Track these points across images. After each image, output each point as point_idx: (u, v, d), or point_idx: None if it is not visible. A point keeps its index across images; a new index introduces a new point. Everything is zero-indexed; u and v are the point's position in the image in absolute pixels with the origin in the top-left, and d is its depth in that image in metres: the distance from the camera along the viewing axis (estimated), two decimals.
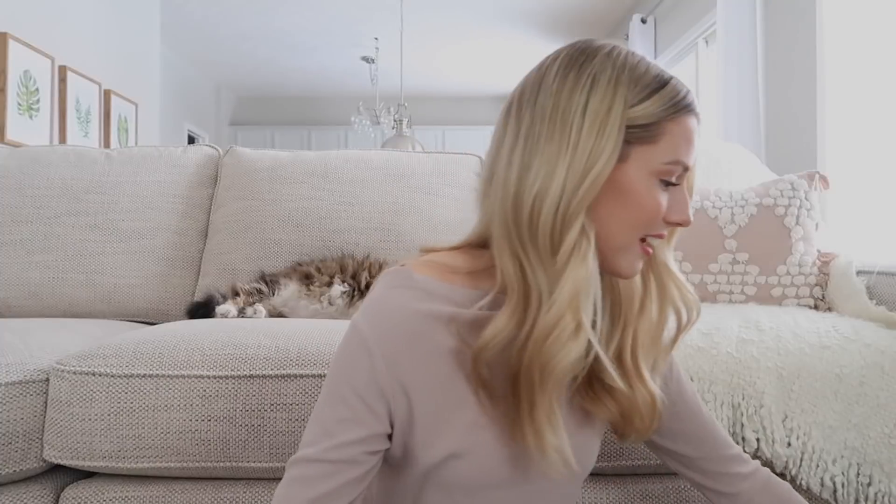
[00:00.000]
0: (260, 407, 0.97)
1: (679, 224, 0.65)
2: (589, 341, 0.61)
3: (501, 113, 0.67)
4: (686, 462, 0.79)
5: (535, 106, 0.62)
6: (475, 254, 0.69)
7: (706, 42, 4.17)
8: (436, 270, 0.67)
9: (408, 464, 0.66)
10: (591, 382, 0.69)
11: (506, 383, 0.64)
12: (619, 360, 0.69)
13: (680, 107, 0.62)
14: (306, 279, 1.42)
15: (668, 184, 0.63)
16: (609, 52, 0.63)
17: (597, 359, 0.65)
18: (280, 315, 1.40)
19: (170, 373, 0.98)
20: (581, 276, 0.60)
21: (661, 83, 0.62)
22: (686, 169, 0.64)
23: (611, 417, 0.69)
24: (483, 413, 0.64)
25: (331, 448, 0.61)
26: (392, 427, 0.64)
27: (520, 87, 0.66)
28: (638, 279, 0.70)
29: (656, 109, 0.61)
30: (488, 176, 0.66)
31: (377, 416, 0.62)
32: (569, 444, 0.63)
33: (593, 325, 0.64)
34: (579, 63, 0.62)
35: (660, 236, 0.66)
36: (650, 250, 0.66)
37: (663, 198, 0.63)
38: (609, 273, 0.67)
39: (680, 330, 0.71)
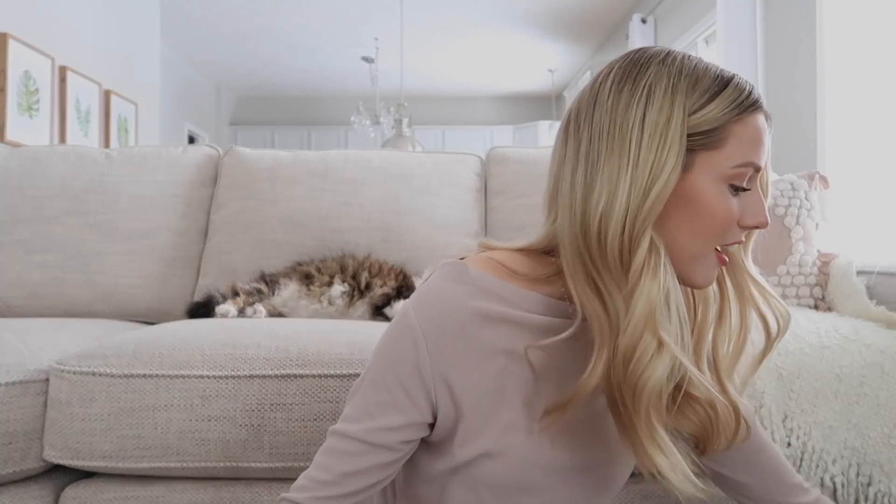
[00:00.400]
0: (260, 407, 0.97)
1: (756, 227, 0.62)
2: (677, 356, 0.59)
3: (560, 130, 0.66)
4: (746, 492, 0.76)
5: (592, 123, 0.61)
6: (538, 259, 0.67)
7: (706, 42, 4.17)
8: (493, 269, 0.66)
9: (442, 455, 0.66)
10: (673, 396, 0.64)
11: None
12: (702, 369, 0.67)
13: (745, 106, 0.60)
14: (306, 279, 1.42)
15: (738, 188, 0.61)
16: (663, 60, 0.61)
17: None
18: (280, 315, 1.40)
19: (170, 373, 0.98)
20: (654, 292, 0.58)
21: (722, 85, 0.60)
22: (758, 170, 0.61)
23: (694, 430, 0.66)
24: (525, 417, 0.63)
25: (370, 430, 0.63)
26: (435, 418, 0.64)
27: (576, 104, 0.65)
28: (715, 286, 0.68)
29: (719, 113, 0.59)
30: (553, 189, 0.65)
31: (417, 406, 0.63)
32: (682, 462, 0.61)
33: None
34: (633, 75, 0.61)
35: (737, 243, 0.63)
36: (727, 259, 0.64)
37: (735, 203, 0.61)
38: (684, 283, 0.65)
39: (770, 341, 0.68)
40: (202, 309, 1.39)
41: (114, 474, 1.01)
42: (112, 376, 0.97)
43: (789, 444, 0.96)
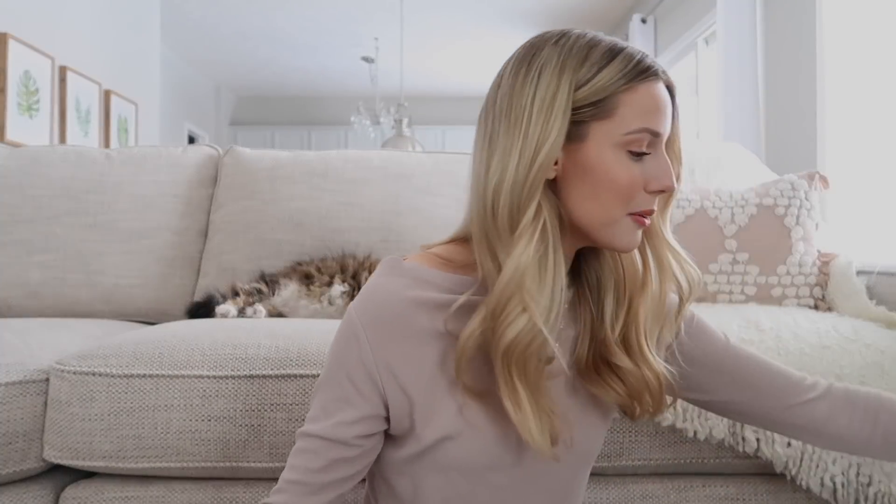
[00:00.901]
0: (260, 407, 0.97)
1: (662, 191, 0.65)
2: (537, 323, 0.61)
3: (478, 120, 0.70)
4: (746, 409, 0.77)
5: (495, 108, 0.65)
6: (470, 246, 0.70)
7: (706, 42, 4.16)
8: (428, 260, 0.69)
9: (406, 446, 0.68)
10: (596, 365, 0.69)
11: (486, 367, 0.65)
12: (625, 339, 0.69)
13: (632, 75, 0.62)
14: (306, 279, 1.42)
15: (639, 154, 0.63)
16: (557, 40, 0.64)
17: (601, 341, 0.68)
18: (280, 315, 1.40)
19: (170, 373, 0.98)
20: (525, 257, 0.61)
21: (610, 57, 0.62)
22: (655, 135, 0.64)
23: (619, 400, 0.70)
24: (472, 396, 0.65)
25: (328, 427, 0.66)
26: (387, 409, 0.66)
27: (487, 94, 0.69)
28: (637, 255, 0.70)
29: (606, 83, 0.62)
30: (469, 178, 0.70)
31: (367, 398, 0.65)
32: (549, 425, 0.63)
33: (601, 309, 0.69)
34: (529, 58, 0.64)
35: (650, 211, 0.66)
36: (646, 221, 0.66)
37: (638, 169, 0.63)
38: (607, 248, 0.68)
39: (683, 301, 0.72)
40: (202, 309, 1.39)
41: (114, 474, 1.01)
42: (112, 376, 0.97)
43: (789, 444, 0.96)
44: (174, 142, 6.59)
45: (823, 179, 1.41)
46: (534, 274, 0.62)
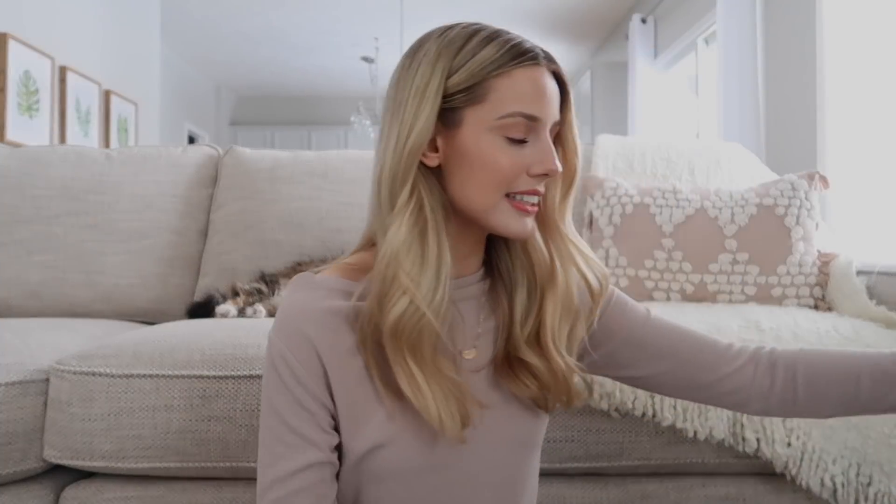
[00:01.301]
0: (259, 407, 0.97)
1: (544, 175, 0.65)
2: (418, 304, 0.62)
3: None
4: (669, 380, 0.76)
5: (385, 101, 0.68)
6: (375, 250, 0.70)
7: (706, 42, 4.16)
8: (341, 271, 0.69)
9: (342, 458, 0.68)
10: (509, 361, 0.70)
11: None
12: (536, 336, 0.70)
13: (503, 61, 0.63)
14: None
15: (517, 139, 0.64)
16: (441, 33, 0.66)
17: (511, 337, 0.69)
18: None
19: (170, 373, 0.98)
20: (398, 238, 0.63)
21: (484, 44, 0.64)
22: (532, 119, 0.64)
23: (530, 394, 0.70)
24: (398, 401, 0.65)
25: (308, 456, 0.65)
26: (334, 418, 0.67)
27: None
28: (544, 250, 0.71)
29: (476, 70, 0.63)
30: None
31: (319, 412, 0.65)
32: (455, 407, 0.63)
33: (513, 304, 0.70)
34: (413, 51, 0.67)
35: (533, 192, 0.66)
36: (528, 208, 0.66)
37: (516, 153, 0.64)
38: (502, 235, 0.68)
39: (594, 298, 0.72)
40: (202, 309, 1.39)
41: (114, 474, 1.01)
42: (112, 376, 0.97)
43: (789, 444, 0.96)
44: (174, 142, 6.59)
45: (823, 179, 1.41)
46: (414, 257, 0.63)
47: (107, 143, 3.99)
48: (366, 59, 6.78)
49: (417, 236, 0.64)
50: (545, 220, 0.70)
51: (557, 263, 0.70)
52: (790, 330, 1.06)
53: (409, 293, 0.62)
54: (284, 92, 8.31)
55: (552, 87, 0.66)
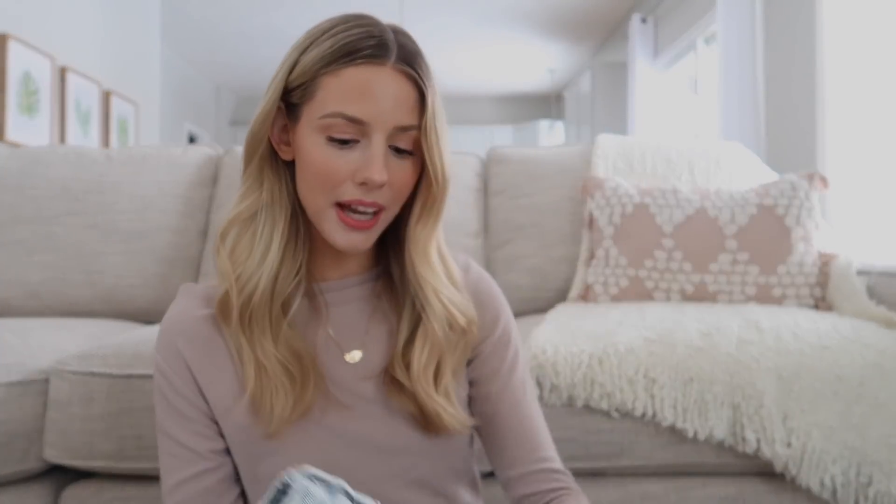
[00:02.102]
0: None
1: (363, 184, 0.61)
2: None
3: None
4: (489, 453, 0.74)
5: None
6: None
7: (706, 42, 4.17)
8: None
9: (240, 469, 0.70)
10: (391, 378, 0.68)
11: None
12: (408, 366, 0.67)
13: (331, 59, 0.61)
14: None
15: (341, 141, 0.61)
16: (320, 24, 0.65)
17: (395, 350, 0.68)
18: None
19: None
20: (231, 215, 0.65)
21: (326, 40, 0.62)
22: (354, 121, 0.60)
23: (410, 412, 0.67)
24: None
25: (188, 460, 0.68)
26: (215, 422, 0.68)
27: None
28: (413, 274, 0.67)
29: (309, 66, 0.61)
30: None
31: (198, 420, 0.67)
32: (283, 392, 0.64)
33: (399, 322, 0.68)
34: (302, 36, 0.66)
35: (359, 202, 0.62)
36: (352, 221, 0.63)
37: (339, 156, 0.61)
38: (331, 242, 0.65)
39: (464, 336, 0.69)
40: None
41: (114, 474, 1.01)
42: (112, 376, 0.97)
43: (789, 445, 0.96)
44: (174, 142, 6.59)
45: (823, 179, 1.41)
46: (245, 244, 0.65)
47: (107, 144, 3.98)
48: None
49: (251, 220, 0.65)
50: (406, 241, 0.67)
51: (422, 290, 0.67)
52: (790, 330, 1.06)
53: (227, 279, 0.64)
54: None
55: (392, 87, 0.61)
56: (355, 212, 0.63)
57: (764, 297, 1.33)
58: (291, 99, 0.63)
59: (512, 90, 8.43)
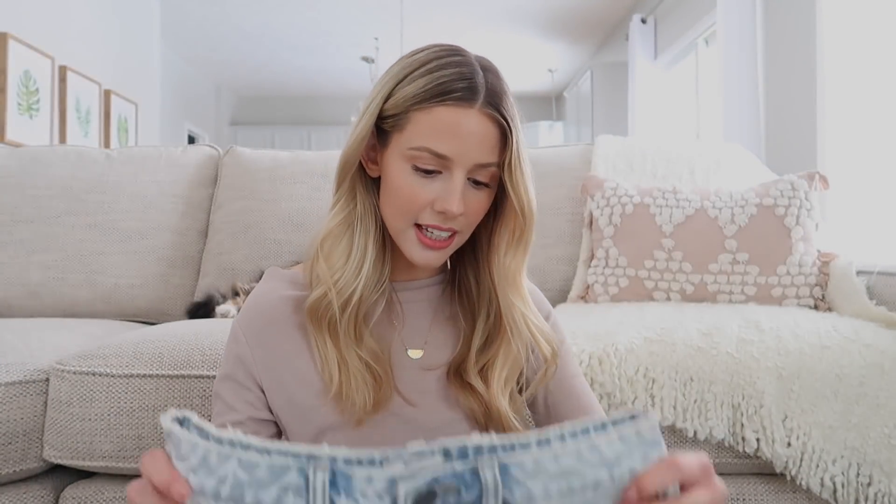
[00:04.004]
0: None
1: (442, 213, 0.67)
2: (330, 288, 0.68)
3: None
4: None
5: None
6: None
7: (706, 42, 4.17)
8: (308, 267, 0.73)
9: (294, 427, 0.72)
10: (459, 375, 0.73)
11: None
12: (483, 371, 0.72)
13: (425, 97, 0.65)
14: None
15: (425, 171, 0.67)
16: (416, 52, 0.69)
17: (466, 361, 0.73)
18: None
19: (170, 373, 0.98)
20: (329, 224, 0.70)
21: (420, 76, 0.66)
22: (438, 156, 0.65)
23: (473, 413, 0.72)
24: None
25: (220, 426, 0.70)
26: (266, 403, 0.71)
27: None
28: (497, 299, 0.72)
29: (401, 101, 0.66)
30: None
31: (248, 395, 0.70)
32: (365, 388, 0.67)
33: (473, 329, 0.73)
34: (394, 64, 0.71)
35: (438, 227, 0.68)
36: (430, 241, 0.69)
37: (422, 185, 0.67)
38: (409, 259, 0.71)
39: (547, 364, 0.74)
40: (202, 309, 1.39)
41: (114, 474, 1.01)
42: (112, 376, 0.97)
43: (789, 444, 0.96)
44: (174, 142, 6.59)
45: (823, 179, 1.41)
46: (340, 249, 0.69)
47: (107, 143, 3.98)
48: (366, 59, 6.78)
49: (346, 231, 0.70)
50: (494, 273, 0.72)
51: (510, 314, 0.72)
52: (790, 330, 1.06)
53: (325, 284, 0.68)
54: (284, 92, 8.31)
55: (477, 128, 0.65)
56: (432, 232, 0.69)
57: (764, 297, 1.33)
58: (383, 125, 0.69)
59: (512, 90, 8.42)
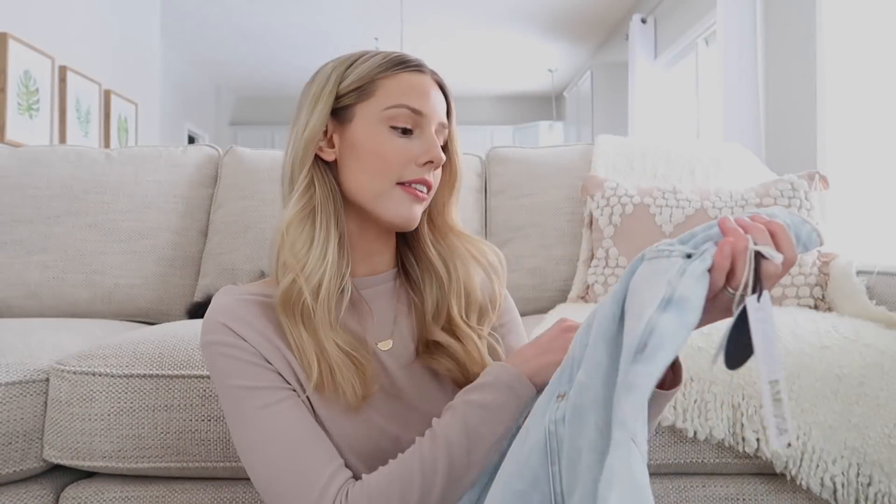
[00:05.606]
0: None
1: (430, 162, 0.72)
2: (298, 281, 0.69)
3: None
4: None
5: (292, 114, 0.77)
6: None
7: (706, 42, 4.16)
8: (259, 283, 0.76)
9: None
10: (427, 345, 0.77)
11: None
12: (450, 320, 0.77)
13: (388, 66, 0.73)
14: None
15: (403, 130, 0.72)
16: (347, 55, 0.76)
17: (424, 325, 0.77)
18: None
19: (170, 373, 0.98)
20: (288, 215, 0.70)
21: (371, 57, 0.74)
22: (416, 112, 0.72)
23: (452, 375, 0.75)
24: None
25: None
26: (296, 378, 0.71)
27: None
28: (435, 250, 0.79)
29: (366, 71, 0.72)
30: None
31: (278, 372, 0.69)
32: (352, 376, 0.69)
33: (423, 296, 0.78)
34: (318, 70, 0.77)
35: (422, 181, 0.73)
36: (418, 193, 0.73)
37: (403, 143, 0.72)
38: (389, 225, 0.74)
39: (496, 279, 0.80)
40: (202, 309, 1.38)
41: (114, 474, 1.01)
42: (112, 376, 0.97)
43: (789, 444, 0.96)
44: (174, 142, 6.59)
45: (823, 179, 1.41)
46: (303, 238, 0.70)
47: (107, 143, 3.98)
48: None
49: (307, 217, 0.71)
50: (437, 223, 0.79)
51: (452, 262, 0.79)
52: (790, 330, 1.06)
53: (292, 271, 0.69)
54: (284, 92, 8.31)
55: (436, 93, 0.75)
56: (416, 186, 0.73)
57: None
58: (341, 103, 0.73)
59: (512, 90, 8.43)
